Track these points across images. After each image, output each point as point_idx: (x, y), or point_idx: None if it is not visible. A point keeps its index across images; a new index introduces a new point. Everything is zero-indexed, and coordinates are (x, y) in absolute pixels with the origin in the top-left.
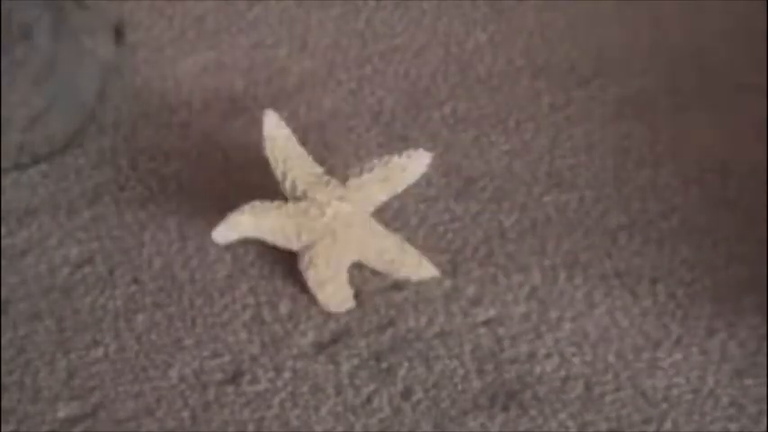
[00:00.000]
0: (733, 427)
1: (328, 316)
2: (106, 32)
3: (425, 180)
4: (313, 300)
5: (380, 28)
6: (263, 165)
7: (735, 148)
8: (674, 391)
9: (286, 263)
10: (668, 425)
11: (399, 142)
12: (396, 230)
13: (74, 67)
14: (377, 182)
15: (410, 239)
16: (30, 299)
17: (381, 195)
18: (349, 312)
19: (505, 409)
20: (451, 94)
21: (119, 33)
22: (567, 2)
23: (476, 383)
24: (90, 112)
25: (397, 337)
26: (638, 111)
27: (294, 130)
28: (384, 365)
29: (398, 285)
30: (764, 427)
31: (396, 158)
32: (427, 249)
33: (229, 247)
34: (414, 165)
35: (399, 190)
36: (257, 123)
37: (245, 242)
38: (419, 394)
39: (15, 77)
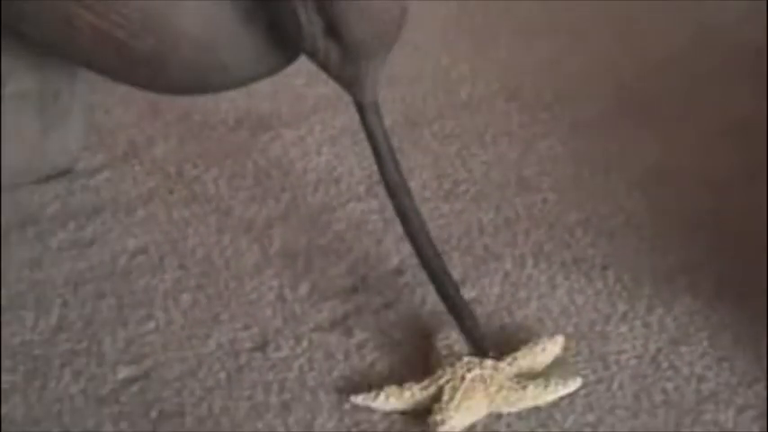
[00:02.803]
0: (669, 385)
1: (342, 297)
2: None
3: (420, 184)
4: (327, 282)
5: None
6: (284, 170)
7: (670, 159)
8: (622, 357)
9: (304, 253)
10: (616, 384)
11: (401, 161)
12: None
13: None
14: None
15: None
16: (95, 281)
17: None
18: (358, 293)
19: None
20: (439, 114)
21: None
22: (534, 40)
23: (462, 352)
24: (87, 127)
25: (399, 316)
26: (591, 128)
27: (311, 145)
28: (389, 339)
29: (399, 271)
30: (695, 385)
31: (535, 346)
32: None
33: (257, 238)
34: (551, 348)
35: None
36: (280, 138)
37: (269, 234)
38: (416, 363)
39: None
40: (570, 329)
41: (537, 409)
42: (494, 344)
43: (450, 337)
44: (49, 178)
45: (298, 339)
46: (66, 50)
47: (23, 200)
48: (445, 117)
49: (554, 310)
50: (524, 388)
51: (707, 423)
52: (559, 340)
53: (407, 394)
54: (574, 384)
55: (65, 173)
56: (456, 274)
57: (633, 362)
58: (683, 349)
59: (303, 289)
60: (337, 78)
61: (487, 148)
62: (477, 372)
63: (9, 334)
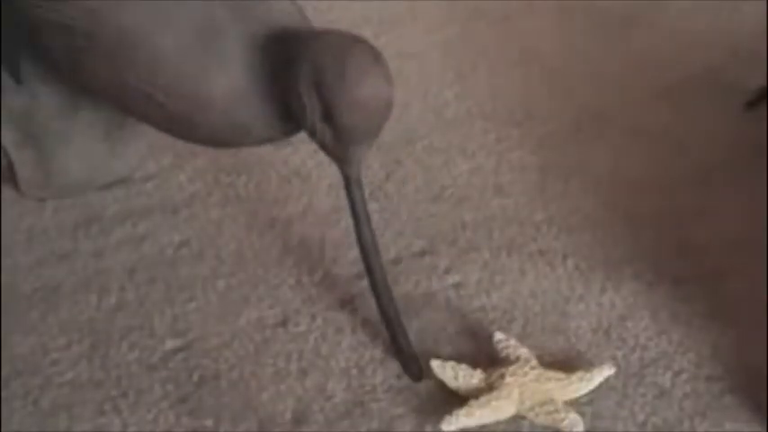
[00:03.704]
0: (618, 353)
1: (349, 282)
2: None
3: (413, 189)
4: (337, 270)
5: None
6: (301, 177)
7: (621, 167)
8: (580, 330)
9: (318, 246)
10: (574, 352)
11: (394, 165)
12: (397, 225)
13: None
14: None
15: (402, 229)
16: (147, 269)
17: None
18: (362, 279)
19: (471, 340)
20: (429, 131)
21: None
22: (507, 70)
23: (449, 326)
24: (139, 141)
25: (397, 297)
26: (555, 142)
27: (324, 157)
28: None
29: (395, 261)
30: (639, 353)
31: (586, 373)
32: (415, 236)
33: (279, 234)
34: (597, 377)
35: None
36: (298, 152)
37: (290, 230)
38: (412, 335)
39: (90, 121)
40: (537, 308)
41: None
42: (472, 323)
43: (512, 342)
44: (110, 185)
45: (313, 317)
46: (121, 105)
47: (90, 203)
48: (433, 134)
49: (523, 293)
50: (556, 411)
51: (649, 384)
52: (605, 371)
53: (474, 379)
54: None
55: (123, 180)
56: (442, 263)
57: (588, 334)
58: (629, 324)
59: (317, 275)
60: (330, 154)
61: (468, 160)
62: (516, 378)
63: (78, 312)
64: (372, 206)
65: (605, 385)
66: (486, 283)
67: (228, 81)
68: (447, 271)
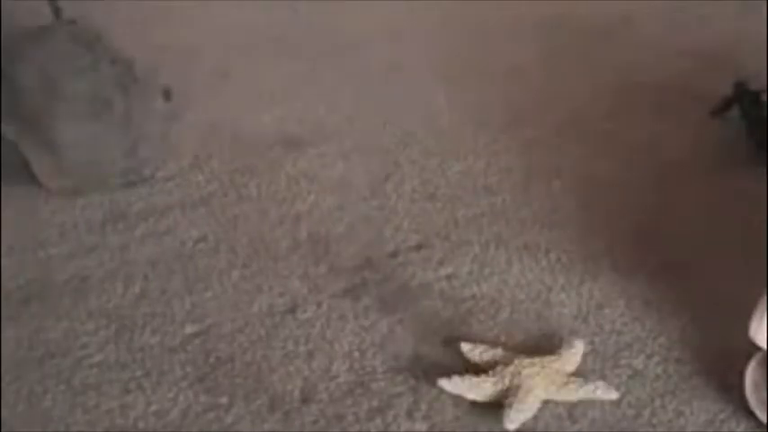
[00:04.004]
0: (596, 338)
1: (351, 273)
2: (158, 94)
3: (411, 188)
4: (341, 262)
5: (378, 105)
6: (308, 178)
7: (598, 169)
8: (561, 317)
9: (324, 241)
10: (556, 338)
11: (393, 167)
12: (395, 221)
13: (143, 118)
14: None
15: (400, 225)
16: (167, 262)
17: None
18: (364, 270)
19: (462, 326)
20: (425, 137)
21: (167, 94)
22: (494, 82)
23: (443, 313)
24: (161, 146)
25: (395, 287)
26: (538, 146)
27: (329, 159)
28: (386, 304)
29: (393, 254)
30: (615, 338)
31: (570, 348)
32: (411, 232)
33: (288, 230)
34: (579, 349)
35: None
36: (305, 154)
37: (298, 226)
38: (407, 323)
39: (107, 128)
40: (522, 297)
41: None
42: (463, 311)
43: (500, 340)
44: (135, 184)
45: (319, 305)
46: None
47: (116, 200)
48: (428, 139)
49: (510, 283)
50: (572, 383)
51: (623, 366)
52: (580, 344)
53: (486, 386)
54: (609, 394)
55: (147, 180)
56: (436, 256)
57: (569, 320)
58: (606, 311)
59: (323, 267)
60: None
61: (460, 162)
62: (531, 369)
63: (105, 300)
64: (372, 204)
65: (584, 367)
66: (476, 274)
67: None
68: (441, 263)
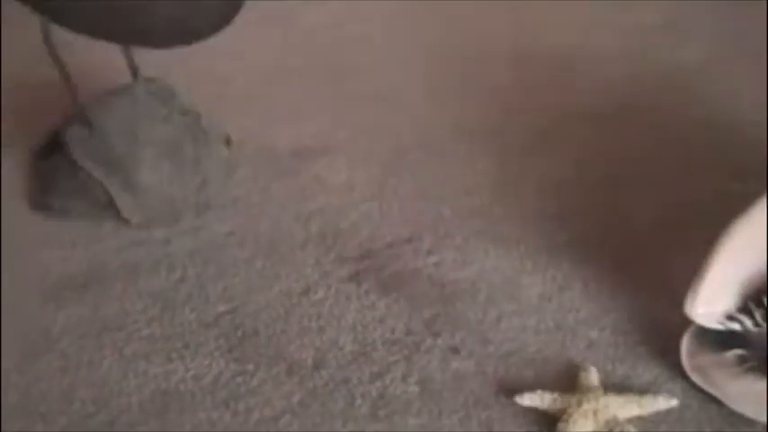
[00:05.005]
0: (558, 315)
1: (355, 261)
2: (221, 141)
3: (404, 188)
4: (346, 252)
5: (384, 126)
6: (320, 183)
7: (569, 172)
8: (530, 298)
9: (332, 234)
10: (525, 315)
11: (390, 172)
12: (392, 218)
13: (209, 161)
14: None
15: (395, 221)
16: (203, 252)
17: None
18: (365, 259)
19: (447, 305)
20: (416, 146)
21: (227, 141)
22: (476, 97)
23: (431, 294)
24: (224, 184)
25: (391, 273)
26: (515, 153)
27: (337, 166)
28: (384, 287)
29: (389, 245)
30: (574, 315)
31: (641, 399)
32: (404, 226)
33: (303, 225)
34: (660, 404)
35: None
36: (317, 163)
37: (310, 222)
38: (401, 302)
39: (180, 170)
40: (497, 280)
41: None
42: (447, 293)
43: (590, 375)
44: (200, 212)
45: (328, 288)
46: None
47: None
48: (419, 149)
49: (487, 269)
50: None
51: (581, 338)
52: (673, 401)
53: (552, 398)
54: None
55: (211, 207)
56: (425, 247)
57: (536, 300)
58: (567, 293)
59: (331, 257)
60: None
61: (446, 167)
62: (591, 405)
63: (151, 284)
64: (372, 204)
65: (547, 338)
66: (458, 261)
67: None
68: (429, 253)
